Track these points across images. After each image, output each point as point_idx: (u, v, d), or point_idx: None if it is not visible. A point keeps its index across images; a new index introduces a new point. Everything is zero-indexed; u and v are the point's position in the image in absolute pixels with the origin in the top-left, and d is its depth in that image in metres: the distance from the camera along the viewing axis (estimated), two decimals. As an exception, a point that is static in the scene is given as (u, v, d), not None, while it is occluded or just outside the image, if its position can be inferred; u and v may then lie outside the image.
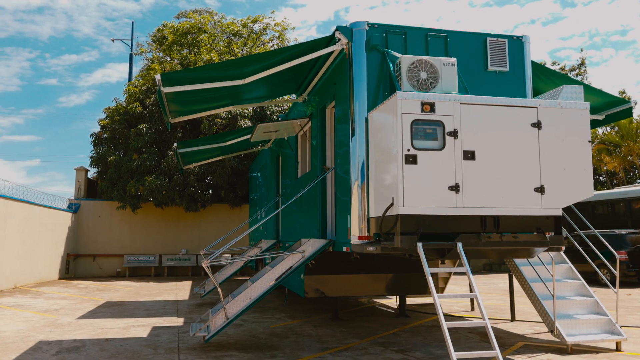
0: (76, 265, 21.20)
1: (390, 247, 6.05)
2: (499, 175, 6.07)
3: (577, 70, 30.38)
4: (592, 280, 17.65)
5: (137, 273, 21.68)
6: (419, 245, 5.74)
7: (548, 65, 32.01)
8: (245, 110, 21.60)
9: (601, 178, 30.78)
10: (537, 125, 6.22)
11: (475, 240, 5.93)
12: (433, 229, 5.88)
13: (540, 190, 6.16)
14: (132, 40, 26.09)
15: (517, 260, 8.26)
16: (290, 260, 7.78)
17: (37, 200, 18.31)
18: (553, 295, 7.37)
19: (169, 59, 29.24)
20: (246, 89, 9.07)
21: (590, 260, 17.55)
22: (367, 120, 6.93)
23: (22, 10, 73.31)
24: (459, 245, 5.80)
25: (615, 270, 7.83)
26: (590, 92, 9.05)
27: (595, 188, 30.16)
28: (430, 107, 5.96)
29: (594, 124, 9.49)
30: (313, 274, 9.46)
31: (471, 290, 6.05)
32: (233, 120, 21.37)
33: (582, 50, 47.86)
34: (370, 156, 6.74)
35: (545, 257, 8.70)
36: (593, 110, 9.32)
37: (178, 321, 10.24)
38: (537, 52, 75.86)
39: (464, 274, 9.94)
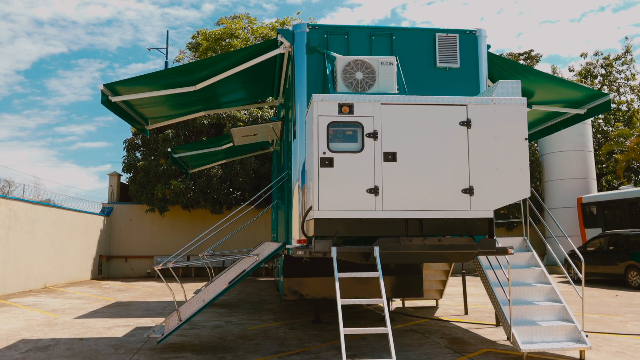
0: (109, 266, 22.20)
1: (312, 251, 5.98)
2: (423, 177, 5.86)
3: (623, 59, 28.58)
4: (621, 282, 16.61)
5: (167, 273, 22.34)
6: (333, 249, 5.64)
7: (590, 55, 30.39)
8: (267, 113, 21.87)
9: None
10: (467, 123, 5.96)
11: (395, 244, 5.76)
12: (351, 232, 5.76)
13: (469, 191, 5.89)
14: (167, 49, 27.03)
15: (483, 263, 7.93)
16: (244, 264, 7.85)
17: (72, 206, 19.37)
18: (509, 300, 7.02)
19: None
20: (219, 92, 9.23)
21: (619, 261, 16.34)
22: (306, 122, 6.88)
23: (93, 23, 78.02)
24: (376, 249, 5.65)
25: (581, 272, 7.34)
26: (571, 86, 8.61)
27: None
28: (349, 108, 5.84)
29: (577, 119, 8.95)
30: (292, 276, 9.48)
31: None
32: (255, 122, 21.68)
33: (627, 38, 45.07)
34: (307, 158, 6.69)
35: (519, 259, 8.33)
36: (575, 104, 8.81)
37: (158, 320, 10.53)
38: (607, 41, 72.01)
39: (458, 275, 9.64)
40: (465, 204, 5.88)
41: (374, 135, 5.85)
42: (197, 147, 13.29)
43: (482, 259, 8.02)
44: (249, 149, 14.90)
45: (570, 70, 29.97)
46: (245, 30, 30.80)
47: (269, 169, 21.65)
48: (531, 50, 28.10)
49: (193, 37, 31.15)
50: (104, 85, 7.02)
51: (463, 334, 8.85)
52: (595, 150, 26.85)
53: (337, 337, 8.71)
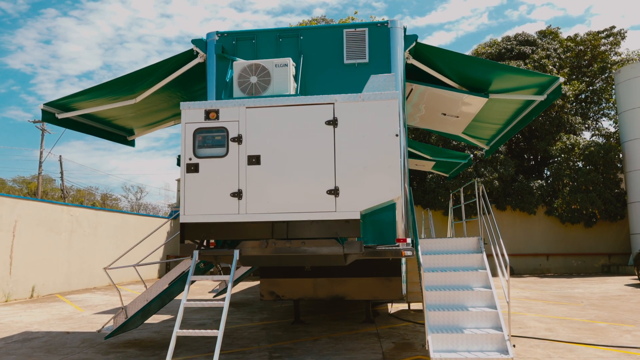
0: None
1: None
2: (287, 179, 5.78)
3: None
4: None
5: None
6: (195, 253, 5.79)
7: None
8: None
9: None
10: (333, 122, 5.77)
11: (258, 248, 5.75)
12: (218, 236, 5.86)
13: (334, 192, 5.70)
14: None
15: (424, 265, 7.53)
16: (183, 265, 8.20)
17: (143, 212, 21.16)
18: (423, 304, 6.63)
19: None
20: (192, 97, 9.71)
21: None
22: (214, 128, 7.07)
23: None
24: (235, 252, 5.70)
25: (506, 273, 6.70)
26: (531, 75, 7.88)
27: None
28: (215, 114, 5.95)
29: (543, 105, 8.11)
30: (267, 277, 9.71)
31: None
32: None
33: None
34: None
35: (471, 261, 7.83)
36: (540, 91, 8.03)
37: (161, 318, 11.25)
38: None
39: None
40: (331, 205, 5.70)
41: (238, 139, 5.89)
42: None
43: (424, 260, 7.63)
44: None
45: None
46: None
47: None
48: (612, 27, 25.27)
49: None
50: (46, 104, 7.73)
51: (421, 340, 8.44)
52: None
53: (292, 338, 8.76)
